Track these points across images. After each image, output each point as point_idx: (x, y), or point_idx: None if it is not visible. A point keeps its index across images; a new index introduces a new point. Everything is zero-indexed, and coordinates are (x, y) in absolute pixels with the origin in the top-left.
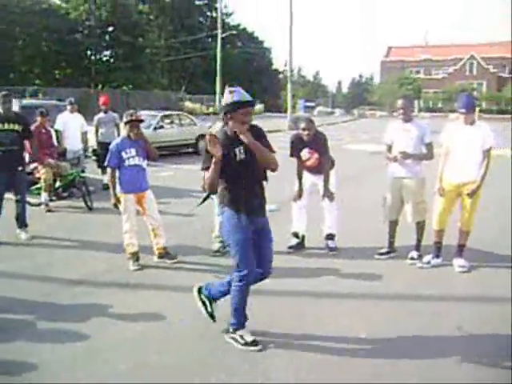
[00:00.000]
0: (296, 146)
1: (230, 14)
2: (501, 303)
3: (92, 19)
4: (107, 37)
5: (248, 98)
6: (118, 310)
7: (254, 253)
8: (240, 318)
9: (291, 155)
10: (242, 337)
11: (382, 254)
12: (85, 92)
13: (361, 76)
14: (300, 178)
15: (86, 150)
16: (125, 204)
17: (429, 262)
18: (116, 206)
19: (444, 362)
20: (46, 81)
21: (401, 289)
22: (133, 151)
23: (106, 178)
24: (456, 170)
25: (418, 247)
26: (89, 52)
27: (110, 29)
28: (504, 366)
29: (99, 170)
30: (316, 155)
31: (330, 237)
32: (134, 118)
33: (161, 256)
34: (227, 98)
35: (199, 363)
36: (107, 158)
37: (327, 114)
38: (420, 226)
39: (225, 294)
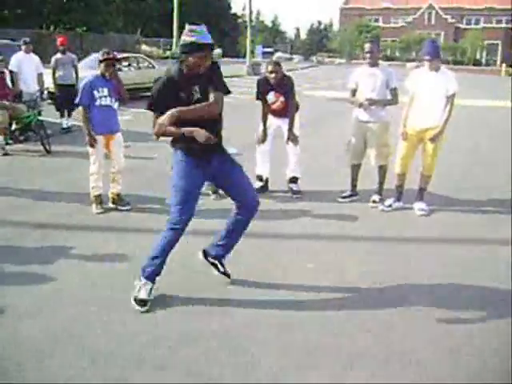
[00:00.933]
0: (262, 88)
1: None
2: (457, 245)
3: None
4: None
5: (207, 40)
6: (84, 251)
7: (230, 190)
8: (154, 269)
9: (257, 98)
10: (139, 290)
11: (344, 197)
12: (37, 33)
13: (320, 23)
14: (265, 121)
15: (42, 92)
16: (91, 146)
17: (390, 205)
18: (92, 145)
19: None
20: None
21: (362, 231)
22: (105, 91)
23: (65, 122)
24: (420, 115)
25: (380, 191)
26: None
27: None
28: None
29: (57, 114)
30: (282, 98)
31: (294, 180)
32: (110, 56)
33: (114, 202)
34: (186, 37)
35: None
36: (79, 96)
37: (286, 60)
38: (382, 170)
39: (228, 247)
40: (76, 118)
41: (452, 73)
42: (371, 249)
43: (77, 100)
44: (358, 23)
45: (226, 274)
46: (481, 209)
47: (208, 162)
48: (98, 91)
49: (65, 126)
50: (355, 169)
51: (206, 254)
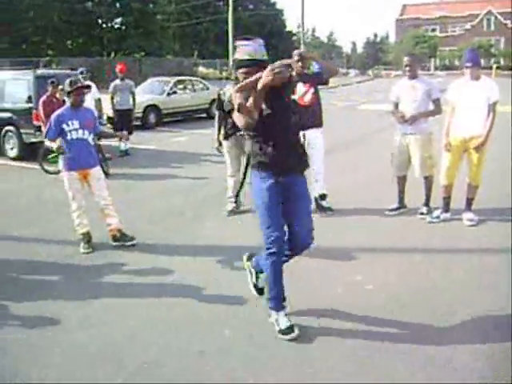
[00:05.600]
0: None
1: None
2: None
3: None
4: (118, 4)
5: (250, 55)
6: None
7: (288, 217)
8: (276, 298)
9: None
10: (277, 321)
11: (392, 210)
12: (98, 61)
13: (376, 36)
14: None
15: (100, 117)
16: (68, 182)
17: (438, 217)
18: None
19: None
20: (59, 51)
21: (411, 243)
22: (76, 123)
23: (123, 145)
24: (462, 125)
25: (427, 202)
26: (100, 20)
27: None
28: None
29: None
30: (312, 90)
31: (323, 197)
32: (78, 84)
33: (116, 239)
34: (235, 54)
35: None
36: (45, 130)
37: (342, 74)
38: (428, 181)
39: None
40: (133, 142)
41: (493, 81)
42: (421, 261)
43: (43, 134)
44: (414, 34)
45: (255, 286)
46: None
47: (282, 177)
48: (68, 124)
49: (123, 148)
50: (401, 181)
51: (250, 257)
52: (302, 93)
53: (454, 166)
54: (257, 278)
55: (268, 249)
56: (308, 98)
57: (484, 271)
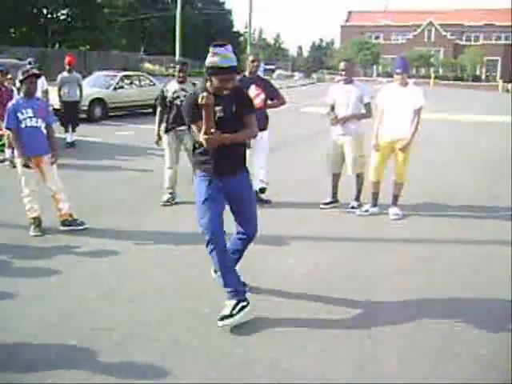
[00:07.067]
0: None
1: None
2: (423, 244)
3: None
4: None
5: (229, 63)
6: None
7: (236, 215)
8: (231, 284)
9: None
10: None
11: (326, 203)
12: (42, 51)
13: (321, 40)
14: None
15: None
16: (21, 168)
17: (367, 211)
18: (27, 166)
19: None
20: (1, 40)
21: (342, 234)
22: (29, 111)
23: (69, 137)
24: (390, 128)
25: (357, 197)
26: (45, 10)
27: None
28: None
29: (62, 129)
30: (263, 96)
31: (263, 190)
32: (30, 73)
33: (66, 223)
34: (209, 58)
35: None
36: (5, 120)
37: (286, 77)
38: (359, 178)
39: (235, 259)
40: (79, 134)
41: (419, 88)
42: (350, 250)
43: (3, 124)
44: (358, 40)
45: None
46: (449, 213)
47: (229, 180)
48: (22, 113)
49: (69, 140)
50: (335, 178)
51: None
52: (253, 95)
53: (382, 164)
54: None
55: (207, 246)
56: (257, 101)
57: (406, 258)
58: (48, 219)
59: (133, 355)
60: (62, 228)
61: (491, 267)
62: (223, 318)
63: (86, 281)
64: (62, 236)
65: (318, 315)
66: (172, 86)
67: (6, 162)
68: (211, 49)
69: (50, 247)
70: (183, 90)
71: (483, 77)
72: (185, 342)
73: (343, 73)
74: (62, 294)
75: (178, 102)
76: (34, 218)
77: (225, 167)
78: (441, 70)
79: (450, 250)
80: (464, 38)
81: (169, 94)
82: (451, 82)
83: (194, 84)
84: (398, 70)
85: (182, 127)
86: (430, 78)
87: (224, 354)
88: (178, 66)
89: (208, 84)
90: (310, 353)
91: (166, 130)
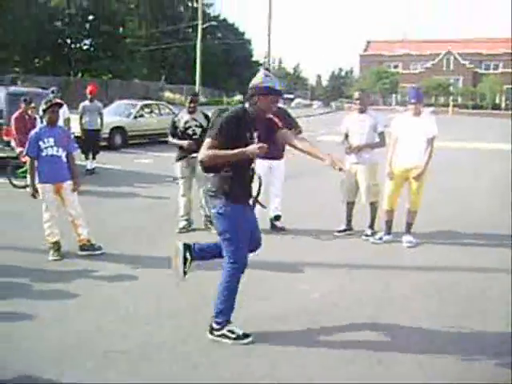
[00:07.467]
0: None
1: (211, 5)
2: (436, 272)
3: (72, 7)
4: (87, 25)
5: (279, 86)
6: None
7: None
8: (229, 313)
9: None
10: (231, 331)
11: (340, 231)
12: (65, 80)
13: (340, 69)
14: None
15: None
16: (43, 194)
17: (381, 238)
18: (34, 196)
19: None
20: (25, 68)
21: (356, 260)
22: (51, 141)
23: (90, 164)
24: (403, 156)
25: (371, 225)
26: (69, 40)
27: (91, 17)
28: (504, 365)
29: (82, 156)
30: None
31: (278, 218)
32: (52, 102)
33: (84, 248)
34: (263, 80)
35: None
36: (26, 147)
37: (305, 106)
38: (373, 207)
39: (209, 258)
40: (99, 161)
41: (433, 117)
42: (363, 277)
43: (24, 151)
44: (377, 70)
45: (185, 273)
46: (463, 241)
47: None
48: (44, 142)
49: (89, 167)
50: (349, 206)
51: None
52: None
53: (395, 193)
54: (190, 264)
55: (234, 274)
56: None
57: (418, 285)
58: (67, 244)
59: (148, 377)
60: (81, 253)
61: (504, 296)
62: (241, 337)
63: (104, 304)
64: (81, 260)
65: (329, 338)
66: (183, 117)
67: (28, 189)
68: (264, 72)
69: (69, 271)
70: (194, 119)
71: (503, 105)
72: (199, 362)
73: (357, 102)
74: (79, 316)
75: (189, 131)
76: (53, 243)
77: (249, 194)
78: (460, 99)
79: (463, 278)
80: (483, 67)
81: (180, 124)
82: (470, 110)
83: (204, 114)
84: (413, 100)
85: (194, 154)
86: (448, 106)
87: (239, 374)
88: (189, 97)
89: (247, 105)
90: (320, 375)
91: (179, 158)
